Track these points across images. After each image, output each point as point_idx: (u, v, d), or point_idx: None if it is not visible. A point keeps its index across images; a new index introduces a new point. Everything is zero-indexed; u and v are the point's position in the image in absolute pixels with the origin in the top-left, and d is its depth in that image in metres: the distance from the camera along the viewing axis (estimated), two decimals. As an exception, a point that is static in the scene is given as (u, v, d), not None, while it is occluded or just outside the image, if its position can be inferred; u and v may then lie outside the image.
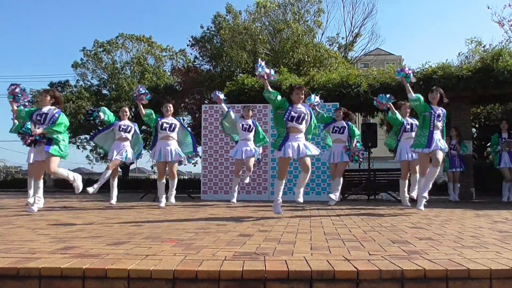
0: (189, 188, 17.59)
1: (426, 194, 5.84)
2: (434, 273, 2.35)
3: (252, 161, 8.11)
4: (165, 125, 7.29)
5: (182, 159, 7.38)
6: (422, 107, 5.95)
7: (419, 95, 5.99)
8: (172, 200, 7.70)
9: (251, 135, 8.09)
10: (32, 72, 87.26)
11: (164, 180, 7.40)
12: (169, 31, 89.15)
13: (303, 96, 5.56)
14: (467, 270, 2.37)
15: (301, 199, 5.57)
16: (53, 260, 2.59)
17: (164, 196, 7.31)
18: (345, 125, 7.92)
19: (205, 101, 18.22)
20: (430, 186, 5.83)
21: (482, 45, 13.98)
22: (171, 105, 7.54)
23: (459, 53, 13.66)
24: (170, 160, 7.16)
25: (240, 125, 8.05)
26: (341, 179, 7.81)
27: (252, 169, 8.28)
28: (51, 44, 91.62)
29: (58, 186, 23.12)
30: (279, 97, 5.46)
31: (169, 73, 24.77)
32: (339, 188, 7.81)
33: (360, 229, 4.27)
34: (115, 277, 2.36)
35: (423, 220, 5.15)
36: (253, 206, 7.69)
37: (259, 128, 8.32)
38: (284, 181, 5.67)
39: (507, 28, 18.06)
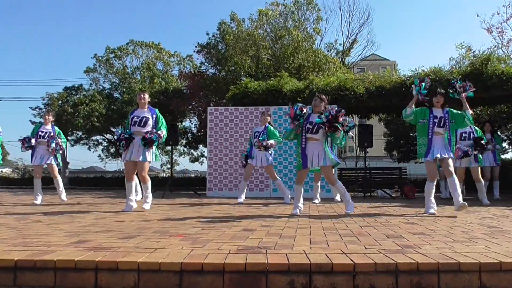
0: (195, 186, 17.63)
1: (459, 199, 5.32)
2: (426, 266, 2.35)
3: (271, 168, 7.55)
4: (135, 119, 5.79)
5: (150, 161, 5.78)
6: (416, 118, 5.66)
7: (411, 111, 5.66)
8: (146, 206, 5.81)
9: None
10: (48, 77, 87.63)
11: (132, 182, 5.90)
12: (176, 37, 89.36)
13: (321, 104, 5.40)
14: (458, 263, 2.36)
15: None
16: (67, 253, 2.60)
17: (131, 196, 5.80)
18: None
19: (211, 104, 18.23)
20: (456, 193, 5.35)
21: (472, 51, 13.94)
22: (144, 94, 5.91)
23: (450, 58, 13.67)
24: (139, 159, 5.68)
25: (254, 133, 7.58)
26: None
27: (275, 176, 7.64)
28: (66, 50, 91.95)
29: (73, 184, 23.18)
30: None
31: (177, 78, 24.78)
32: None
33: (356, 224, 4.26)
34: (126, 269, 2.36)
35: (416, 216, 5.14)
36: (255, 202, 7.69)
37: (271, 129, 7.54)
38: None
39: (495, 34, 17.98)
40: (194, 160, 25.74)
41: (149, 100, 6.00)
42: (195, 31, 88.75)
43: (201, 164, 25.61)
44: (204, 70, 21.41)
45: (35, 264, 2.42)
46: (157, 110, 5.98)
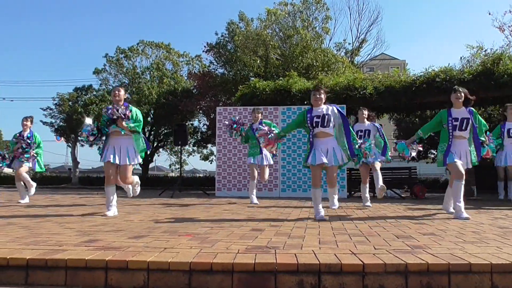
0: (204, 185, 17.68)
1: (459, 204, 4.80)
2: (436, 267, 2.33)
3: (267, 170, 7.38)
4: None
5: (134, 163, 5.25)
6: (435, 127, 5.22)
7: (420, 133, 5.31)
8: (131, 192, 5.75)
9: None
10: (59, 77, 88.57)
11: (113, 186, 5.26)
12: (185, 38, 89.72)
13: (322, 96, 4.87)
14: (469, 264, 2.34)
15: (335, 206, 5.22)
16: (78, 252, 2.62)
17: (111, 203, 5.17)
18: (369, 127, 6.87)
19: (220, 104, 18.27)
20: (458, 199, 4.81)
21: (484, 50, 13.77)
22: (119, 90, 5.34)
23: (461, 57, 13.45)
24: (121, 163, 5.15)
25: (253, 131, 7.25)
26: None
27: (266, 178, 7.46)
28: (76, 51, 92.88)
29: (83, 183, 23.38)
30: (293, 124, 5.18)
31: (186, 78, 24.87)
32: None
33: (365, 224, 4.24)
34: (136, 269, 2.38)
35: (426, 216, 5.10)
36: (264, 202, 7.68)
37: (267, 122, 7.25)
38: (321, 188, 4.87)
39: (507, 33, 17.75)
40: (205, 158, 25.79)
41: (126, 96, 5.40)
42: (204, 31, 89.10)
43: (211, 163, 25.69)
44: (213, 70, 21.47)
45: (46, 263, 2.44)
46: (132, 108, 5.30)
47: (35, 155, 7.38)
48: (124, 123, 5.13)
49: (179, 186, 11.03)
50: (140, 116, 5.32)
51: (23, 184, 7.43)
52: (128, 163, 5.17)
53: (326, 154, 4.74)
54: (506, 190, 9.06)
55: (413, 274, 2.31)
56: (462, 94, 5.06)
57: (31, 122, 7.58)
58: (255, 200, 7.33)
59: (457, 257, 2.47)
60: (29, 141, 7.32)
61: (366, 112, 6.99)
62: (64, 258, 2.45)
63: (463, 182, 4.82)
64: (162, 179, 23.46)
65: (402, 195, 10.19)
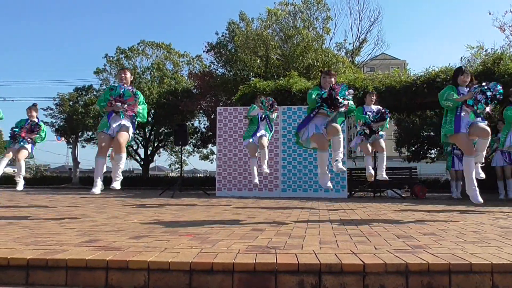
0: (205, 185, 17.69)
1: (474, 187, 4.83)
2: (437, 266, 2.33)
3: (265, 139, 7.18)
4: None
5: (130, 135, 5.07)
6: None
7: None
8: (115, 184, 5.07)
9: (263, 123, 7.30)
10: (59, 77, 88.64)
11: (105, 159, 5.18)
12: (186, 38, 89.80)
13: (332, 80, 4.89)
14: (469, 264, 2.34)
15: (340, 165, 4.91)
16: (78, 252, 2.62)
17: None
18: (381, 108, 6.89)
19: (220, 104, 18.28)
20: (471, 180, 4.83)
21: (484, 49, 13.77)
22: (126, 72, 5.19)
23: (461, 57, 13.48)
24: (119, 131, 4.97)
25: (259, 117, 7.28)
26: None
27: (265, 146, 7.20)
28: (77, 51, 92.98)
29: (83, 183, 23.38)
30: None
31: (186, 78, 24.88)
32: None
33: (366, 224, 4.24)
34: (136, 269, 2.37)
35: (426, 216, 5.10)
36: (264, 202, 7.69)
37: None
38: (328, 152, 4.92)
39: (508, 33, 17.74)
40: (205, 157, 25.79)
41: (132, 79, 5.21)
42: (204, 31, 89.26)
43: (211, 162, 25.71)
44: (213, 70, 21.49)
45: (47, 263, 2.44)
46: (138, 92, 5.17)
47: (35, 138, 7.16)
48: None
49: (179, 186, 11.04)
50: (142, 98, 5.17)
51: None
52: (125, 130, 4.97)
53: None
54: (507, 190, 9.08)
55: (413, 274, 2.31)
56: (470, 75, 5.06)
57: (36, 110, 7.32)
58: (256, 180, 7.19)
59: (457, 257, 2.47)
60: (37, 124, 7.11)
61: (374, 98, 7.07)
62: (65, 258, 2.44)
63: (473, 158, 4.79)
64: (163, 179, 23.46)
65: (403, 195, 10.19)
